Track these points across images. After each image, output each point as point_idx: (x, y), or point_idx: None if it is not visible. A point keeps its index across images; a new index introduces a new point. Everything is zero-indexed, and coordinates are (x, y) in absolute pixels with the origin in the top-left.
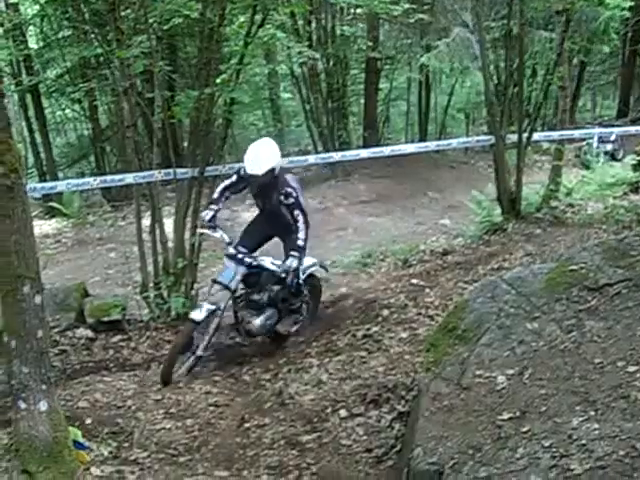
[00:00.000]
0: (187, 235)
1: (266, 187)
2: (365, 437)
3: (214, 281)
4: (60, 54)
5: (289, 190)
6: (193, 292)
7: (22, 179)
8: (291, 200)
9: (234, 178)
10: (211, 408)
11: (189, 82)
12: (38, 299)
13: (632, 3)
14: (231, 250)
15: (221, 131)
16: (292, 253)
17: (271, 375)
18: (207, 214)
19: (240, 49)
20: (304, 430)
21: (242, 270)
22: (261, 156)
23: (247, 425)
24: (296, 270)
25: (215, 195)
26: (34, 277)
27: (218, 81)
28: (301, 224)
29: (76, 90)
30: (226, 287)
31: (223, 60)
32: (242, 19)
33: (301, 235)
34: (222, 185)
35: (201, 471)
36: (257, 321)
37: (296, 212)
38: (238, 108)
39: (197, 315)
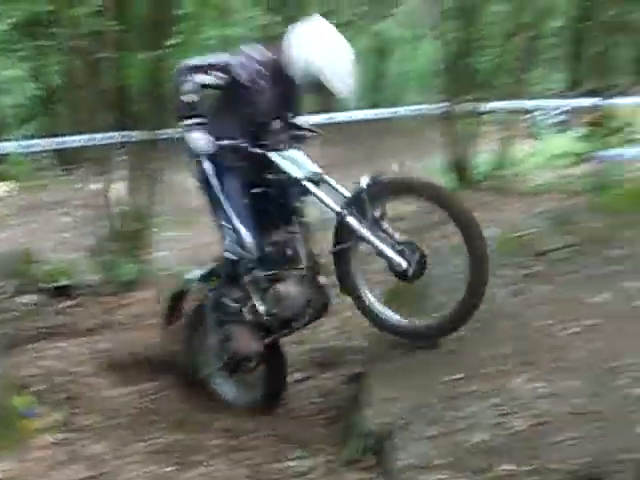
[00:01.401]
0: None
1: None
2: (319, 399)
3: None
4: (6, 9)
5: None
6: (146, 258)
7: None
8: None
9: None
10: None
11: (141, 43)
12: None
13: None
14: None
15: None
16: None
17: None
18: None
19: (193, 10)
20: None
21: None
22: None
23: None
24: None
25: None
26: None
27: (169, 43)
28: None
29: (23, 48)
30: None
31: (176, 21)
32: None
33: None
34: None
35: (155, 435)
36: None
37: None
38: None
39: None
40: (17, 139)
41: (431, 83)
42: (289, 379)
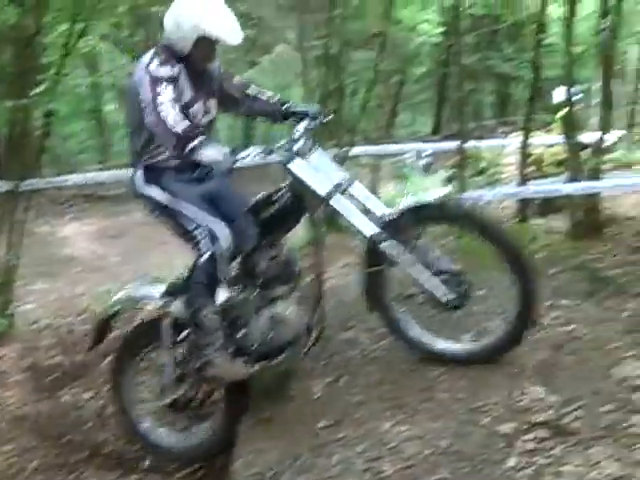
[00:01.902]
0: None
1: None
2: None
3: None
4: None
5: None
6: (9, 312)
7: None
8: None
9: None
10: None
11: (4, 91)
12: None
13: (444, 29)
14: None
15: (38, 143)
16: None
17: None
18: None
19: (59, 59)
20: (126, 449)
21: None
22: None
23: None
24: None
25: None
26: None
27: (33, 92)
28: None
29: None
30: None
31: (41, 70)
32: (62, 28)
33: None
34: (169, 104)
35: None
36: None
37: None
38: (58, 119)
39: None
40: None
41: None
42: None
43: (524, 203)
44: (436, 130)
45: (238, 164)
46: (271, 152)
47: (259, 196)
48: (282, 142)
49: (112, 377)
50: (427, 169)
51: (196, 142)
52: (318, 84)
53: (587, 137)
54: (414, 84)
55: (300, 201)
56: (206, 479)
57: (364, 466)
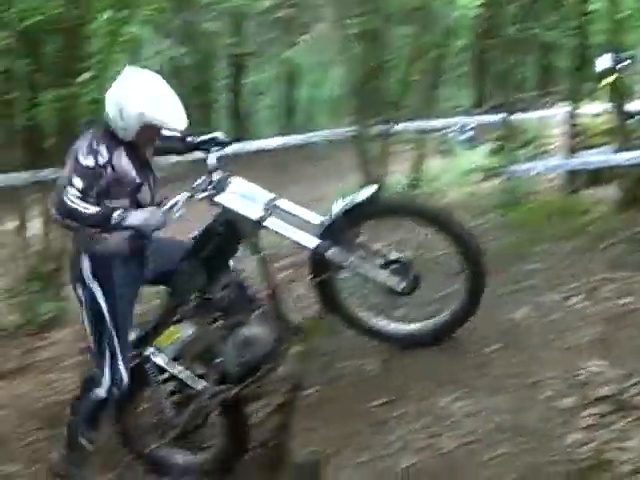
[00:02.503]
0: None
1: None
2: None
3: None
4: None
5: None
6: (62, 296)
7: None
8: None
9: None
10: None
11: (52, 80)
12: None
13: (482, 0)
14: None
15: (85, 129)
16: None
17: None
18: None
19: (105, 47)
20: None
21: None
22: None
23: None
24: None
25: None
26: None
27: (80, 80)
28: None
29: None
30: None
31: (87, 58)
32: (106, 16)
33: None
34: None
35: None
36: None
37: None
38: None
39: None
40: None
41: (341, 107)
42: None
43: (573, 175)
44: (478, 104)
45: (175, 215)
46: (193, 195)
47: (194, 234)
48: (199, 181)
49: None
50: (471, 143)
51: (117, 212)
52: (359, 61)
53: (634, 105)
54: (454, 58)
55: (234, 229)
56: (263, 458)
57: (424, 442)
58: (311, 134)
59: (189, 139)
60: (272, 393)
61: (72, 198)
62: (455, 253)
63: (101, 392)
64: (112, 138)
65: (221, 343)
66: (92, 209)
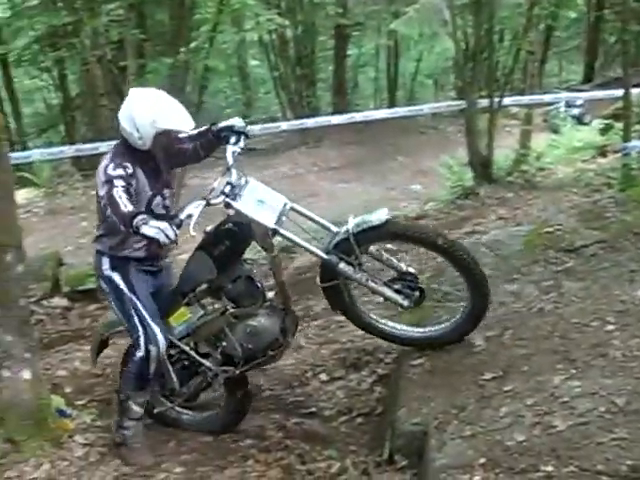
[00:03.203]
0: None
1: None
2: (346, 400)
3: None
4: (29, 23)
5: None
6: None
7: (5, 147)
8: None
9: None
10: None
11: (160, 50)
12: (20, 268)
13: None
14: None
15: (194, 98)
16: None
17: None
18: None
19: (212, 16)
20: (285, 394)
21: None
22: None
23: None
24: None
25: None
26: (17, 245)
27: (192, 46)
28: None
29: (45, 59)
30: None
31: (193, 28)
32: None
33: None
34: (121, 190)
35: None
36: None
37: None
38: (208, 75)
39: None
40: (38, 147)
41: (446, 80)
42: (317, 380)
43: None
44: (588, 79)
45: (190, 227)
46: (209, 203)
47: (208, 230)
48: (215, 184)
49: None
50: (581, 119)
51: (140, 217)
52: (465, 32)
53: None
54: (563, 31)
55: (247, 229)
56: (365, 426)
57: (534, 420)
58: (417, 107)
59: (213, 128)
60: (377, 363)
61: (120, 192)
62: (460, 279)
63: (140, 352)
64: (131, 153)
65: (229, 330)
66: (129, 206)
